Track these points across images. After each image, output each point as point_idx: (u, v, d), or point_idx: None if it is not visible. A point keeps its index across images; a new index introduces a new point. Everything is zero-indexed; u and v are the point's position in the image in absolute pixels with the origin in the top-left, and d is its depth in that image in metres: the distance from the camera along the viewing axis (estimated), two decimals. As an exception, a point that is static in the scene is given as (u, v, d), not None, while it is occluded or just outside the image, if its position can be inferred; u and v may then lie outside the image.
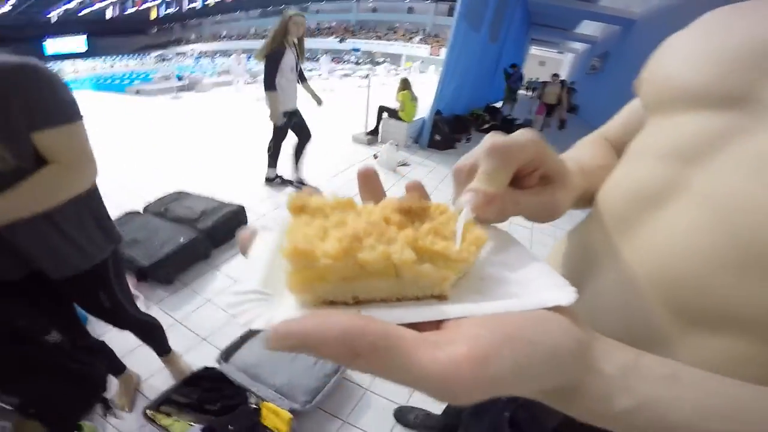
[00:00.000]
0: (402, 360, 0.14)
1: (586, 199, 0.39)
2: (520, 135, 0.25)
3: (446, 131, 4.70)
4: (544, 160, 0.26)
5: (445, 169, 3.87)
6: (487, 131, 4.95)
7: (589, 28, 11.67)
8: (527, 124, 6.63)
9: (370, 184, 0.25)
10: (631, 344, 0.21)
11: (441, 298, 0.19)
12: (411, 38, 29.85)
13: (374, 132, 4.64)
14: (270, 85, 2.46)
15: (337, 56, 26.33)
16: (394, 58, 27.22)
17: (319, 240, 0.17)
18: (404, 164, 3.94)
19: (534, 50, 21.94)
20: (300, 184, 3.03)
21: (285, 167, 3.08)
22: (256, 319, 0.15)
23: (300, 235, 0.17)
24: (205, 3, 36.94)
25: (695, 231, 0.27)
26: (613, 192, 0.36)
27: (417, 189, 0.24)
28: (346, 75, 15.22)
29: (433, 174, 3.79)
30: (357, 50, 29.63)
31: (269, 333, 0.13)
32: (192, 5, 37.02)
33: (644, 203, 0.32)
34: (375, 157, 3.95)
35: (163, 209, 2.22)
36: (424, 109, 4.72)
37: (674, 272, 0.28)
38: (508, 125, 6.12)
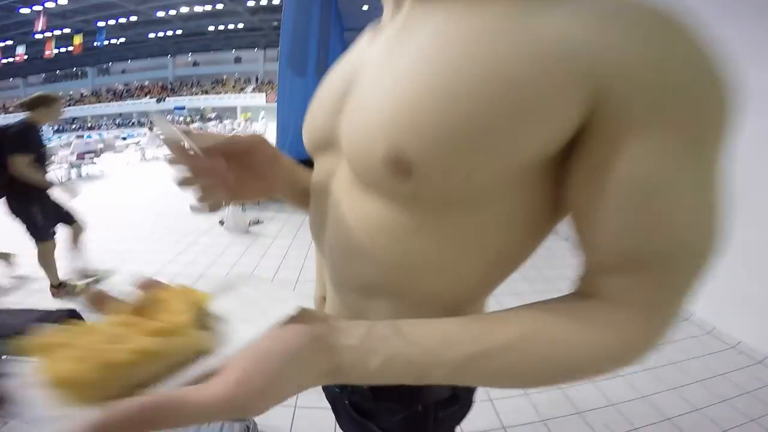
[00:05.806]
0: (183, 406, 0.18)
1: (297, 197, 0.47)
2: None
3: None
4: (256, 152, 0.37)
5: (299, 218, 3.84)
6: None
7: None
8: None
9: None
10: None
11: (206, 352, 0.22)
12: (243, 89, 29.21)
13: (215, 196, 4.26)
14: None
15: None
16: (228, 112, 26.14)
17: (74, 363, 0.18)
18: (257, 222, 3.73)
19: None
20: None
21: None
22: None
23: (58, 368, 0.18)
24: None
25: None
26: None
27: (148, 285, 0.26)
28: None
29: (289, 226, 3.69)
30: (181, 108, 27.24)
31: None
32: None
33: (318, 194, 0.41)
34: (221, 223, 3.59)
35: None
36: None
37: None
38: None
